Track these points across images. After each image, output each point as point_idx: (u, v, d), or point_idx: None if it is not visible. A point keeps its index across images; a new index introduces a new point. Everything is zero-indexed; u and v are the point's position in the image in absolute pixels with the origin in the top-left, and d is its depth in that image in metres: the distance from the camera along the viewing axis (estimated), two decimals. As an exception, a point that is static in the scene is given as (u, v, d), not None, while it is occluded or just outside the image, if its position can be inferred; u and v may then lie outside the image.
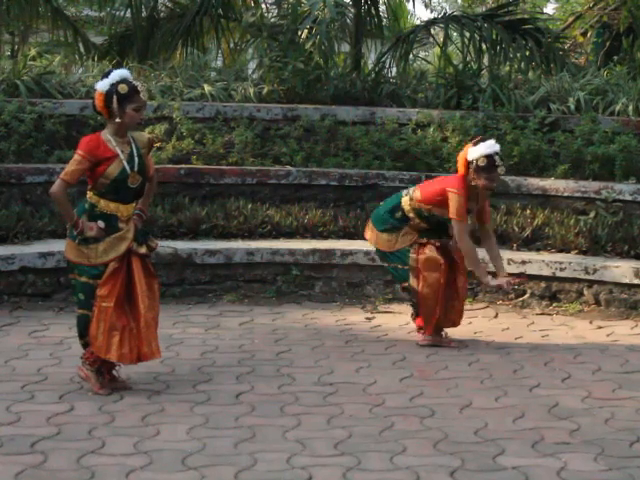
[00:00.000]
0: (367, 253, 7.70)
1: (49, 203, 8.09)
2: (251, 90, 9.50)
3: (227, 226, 8.13)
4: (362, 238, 8.08)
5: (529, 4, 17.28)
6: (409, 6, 27.61)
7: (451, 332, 6.62)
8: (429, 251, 6.26)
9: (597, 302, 7.37)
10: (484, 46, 10.68)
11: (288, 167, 8.75)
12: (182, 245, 7.72)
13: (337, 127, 9.10)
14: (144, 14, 11.67)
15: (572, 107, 9.11)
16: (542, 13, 16.24)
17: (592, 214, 7.99)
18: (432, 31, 12.31)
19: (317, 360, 5.92)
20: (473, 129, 8.74)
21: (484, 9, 16.44)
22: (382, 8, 11.62)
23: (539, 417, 4.90)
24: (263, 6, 11.83)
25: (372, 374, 5.63)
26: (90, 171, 5.10)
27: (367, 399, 5.16)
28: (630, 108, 8.95)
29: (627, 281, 7.24)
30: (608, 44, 12.83)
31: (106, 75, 5.11)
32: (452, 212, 6.14)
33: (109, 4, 12.15)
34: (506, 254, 7.63)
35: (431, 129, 8.93)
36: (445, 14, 12.10)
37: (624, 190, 8.05)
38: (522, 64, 10.61)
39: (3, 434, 4.49)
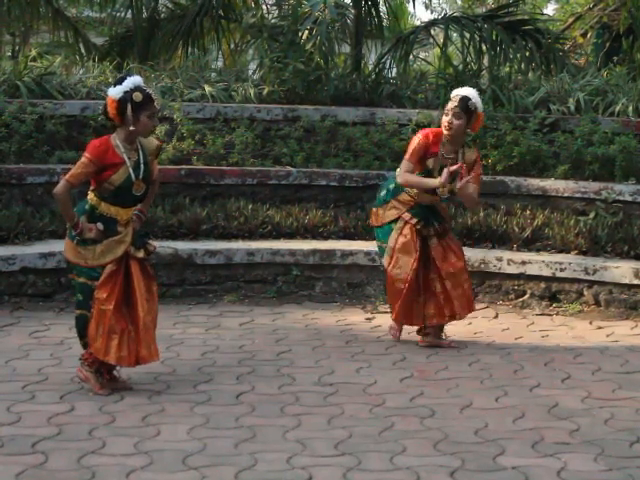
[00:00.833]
0: (367, 253, 7.71)
1: (50, 204, 8.11)
2: (251, 91, 9.50)
3: (227, 226, 8.14)
4: (362, 238, 8.14)
5: (529, 5, 17.28)
6: (409, 7, 27.58)
7: (451, 332, 6.63)
8: (408, 234, 6.20)
9: (597, 302, 7.38)
10: (484, 47, 10.68)
11: (288, 168, 8.76)
12: (182, 245, 7.73)
13: (337, 128, 9.11)
14: (145, 15, 11.68)
15: (572, 108, 9.11)
16: (542, 14, 16.23)
17: (592, 215, 7.99)
18: (432, 32, 12.30)
19: (317, 360, 5.93)
20: (473, 130, 8.73)
21: (484, 10, 16.45)
22: (382, 9, 11.62)
23: (539, 417, 4.91)
24: (264, 7, 11.83)
25: (372, 374, 5.64)
26: (95, 175, 5.12)
27: (367, 399, 5.16)
28: (630, 109, 8.95)
29: (627, 281, 7.24)
30: (608, 45, 12.83)
31: (119, 82, 5.11)
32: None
33: (110, 5, 12.17)
34: (506, 254, 7.66)
35: (431, 130, 8.92)
36: (445, 15, 12.10)
37: (624, 191, 8.05)
38: (522, 65, 10.61)
39: (4, 434, 4.50)
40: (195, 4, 11.55)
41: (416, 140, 6.16)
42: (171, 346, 6.19)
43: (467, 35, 10.73)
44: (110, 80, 9.75)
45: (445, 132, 6.12)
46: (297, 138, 9.03)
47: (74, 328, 5.94)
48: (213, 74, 10.38)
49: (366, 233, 8.17)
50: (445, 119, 6.11)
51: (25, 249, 7.37)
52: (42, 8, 11.84)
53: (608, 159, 8.39)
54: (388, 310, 7.38)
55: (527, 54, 10.59)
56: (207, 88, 9.44)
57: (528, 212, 8.18)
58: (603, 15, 13.19)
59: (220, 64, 12.54)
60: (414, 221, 6.21)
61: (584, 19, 13.76)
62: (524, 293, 7.57)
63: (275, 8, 11.78)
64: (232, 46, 12.12)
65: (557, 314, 7.33)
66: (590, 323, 7.09)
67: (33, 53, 10.39)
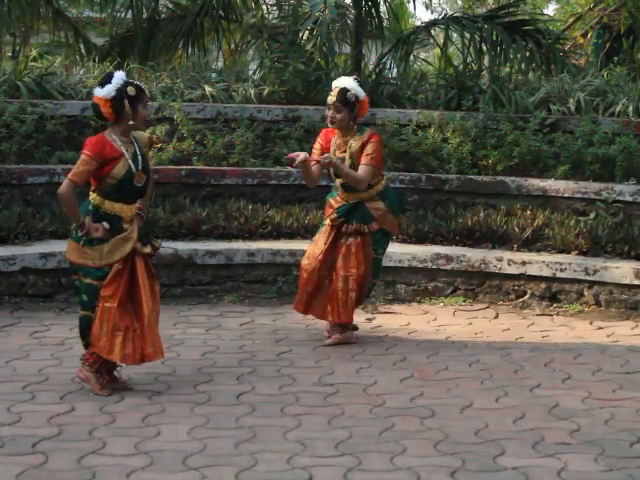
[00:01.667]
0: (368, 254, 7.70)
1: (50, 204, 8.12)
2: (252, 91, 9.50)
3: (228, 227, 8.14)
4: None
5: (529, 5, 17.28)
6: (410, 7, 27.60)
7: (451, 332, 6.64)
8: (327, 229, 6.37)
9: (597, 303, 7.38)
10: (484, 47, 10.68)
11: (289, 168, 8.75)
12: (183, 246, 7.73)
13: (338, 128, 9.10)
14: (145, 15, 11.68)
15: (572, 108, 9.11)
16: (542, 14, 16.24)
17: (592, 215, 7.99)
18: (432, 32, 12.29)
19: (318, 360, 5.93)
20: (473, 130, 8.74)
21: (484, 10, 16.45)
22: (383, 9, 11.61)
23: (539, 417, 4.91)
24: (264, 7, 11.82)
25: (372, 375, 5.64)
26: (96, 171, 5.12)
27: (367, 399, 5.16)
28: (630, 109, 8.95)
29: (627, 282, 7.24)
30: (608, 45, 12.83)
31: (107, 81, 5.12)
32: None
33: (110, 5, 12.16)
34: (506, 255, 7.66)
35: (431, 130, 8.93)
36: (445, 15, 12.09)
37: (624, 191, 8.05)
38: (522, 65, 10.60)
39: (4, 434, 4.50)
40: (195, 4, 11.55)
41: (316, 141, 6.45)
42: (171, 346, 6.18)
43: (467, 35, 10.73)
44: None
45: (330, 127, 6.25)
46: (297, 138, 9.03)
47: (75, 328, 5.94)
48: (213, 74, 10.38)
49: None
50: (327, 114, 6.22)
51: (25, 249, 7.38)
52: (42, 8, 11.83)
53: (608, 159, 8.39)
54: (388, 310, 7.41)
55: (527, 54, 10.59)
56: (207, 88, 9.44)
57: (528, 212, 8.18)
58: (603, 15, 13.19)
59: (220, 64, 12.53)
60: (333, 216, 6.30)
61: (584, 19, 13.77)
62: (524, 293, 7.56)
63: (275, 8, 11.78)
64: (232, 46, 12.12)
65: (557, 314, 7.33)
66: (590, 323, 7.09)
67: (33, 53, 10.39)
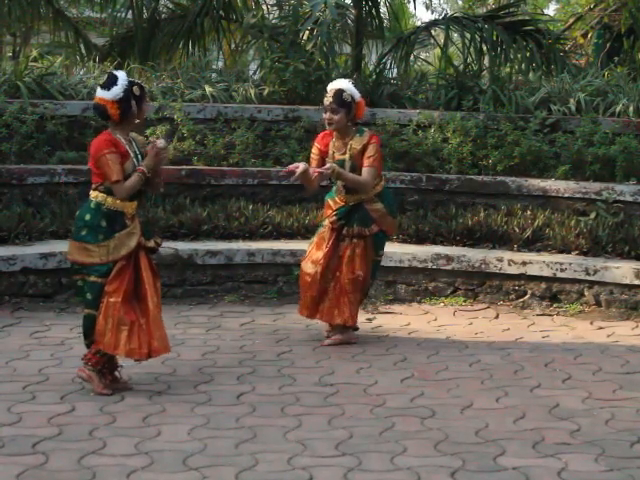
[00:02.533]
0: (368, 254, 7.70)
1: (50, 204, 8.12)
2: (252, 91, 9.50)
3: (228, 227, 8.14)
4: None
5: (530, 5, 17.28)
6: (410, 7, 27.60)
7: (451, 332, 6.64)
8: (326, 232, 6.34)
9: (598, 303, 7.38)
10: (485, 47, 10.68)
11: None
12: (183, 246, 7.73)
13: (338, 128, 9.10)
14: (145, 15, 11.68)
15: (573, 108, 9.11)
16: (543, 14, 16.24)
17: (593, 215, 7.99)
18: (433, 32, 12.29)
19: (318, 361, 5.93)
20: (474, 130, 8.75)
21: (485, 10, 16.44)
22: (383, 9, 11.63)
23: (540, 418, 4.90)
24: (264, 7, 11.82)
25: (373, 375, 5.64)
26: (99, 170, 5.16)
27: (368, 400, 5.16)
28: (631, 109, 8.95)
29: (628, 282, 7.24)
30: (609, 45, 12.83)
31: (112, 82, 5.16)
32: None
33: (110, 5, 12.16)
34: (506, 255, 7.66)
35: (432, 130, 8.93)
36: (446, 15, 12.09)
37: (625, 191, 8.05)
38: (523, 65, 10.60)
39: (4, 435, 4.50)
40: (196, 4, 11.55)
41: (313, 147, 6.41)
42: (172, 346, 6.18)
43: (468, 35, 10.73)
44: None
45: (328, 129, 6.25)
46: (298, 138, 9.03)
47: (75, 328, 5.96)
48: (214, 74, 10.38)
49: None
50: (324, 116, 6.22)
51: (26, 249, 7.37)
52: (43, 9, 11.83)
53: (609, 159, 8.39)
54: (389, 311, 7.40)
55: (528, 54, 10.59)
56: (208, 88, 9.44)
57: (529, 212, 8.18)
58: (604, 15, 13.19)
59: (221, 64, 12.53)
60: (333, 219, 6.29)
61: (585, 19, 13.77)
62: (525, 293, 7.56)
63: (276, 8, 11.78)
64: (233, 46, 12.11)
65: (558, 314, 7.33)
66: (591, 323, 7.09)
67: (34, 53, 10.39)
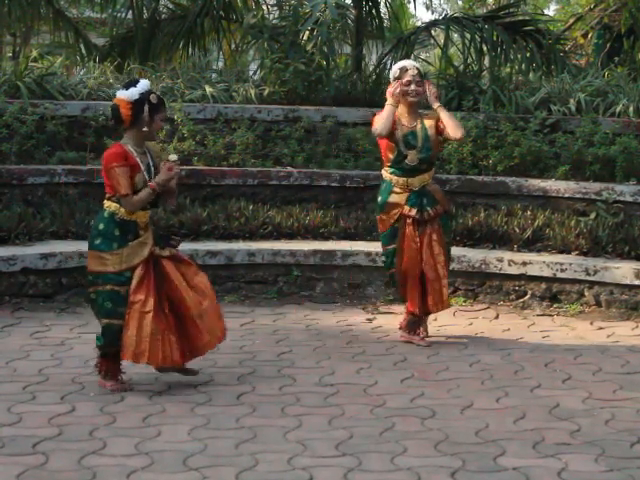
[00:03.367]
0: (368, 254, 7.71)
1: (50, 204, 8.12)
2: (252, 91, 9.50)
3: (228, 227, 8.14)
4: (363, 239, 8.14)
5: (530, 6, 17.28)
6: (410, 8, 27.60)
7: (451, 332, 6.64)
8: (410, 230, 6.30)
9: (598, 303, 7.38)
10: (485, 47, 10.68)
11: (289, 168, 8.76)
12: (183, 246, 7.64)
13: (338, 128, 9.11)
14: (145, 16, 11.68)
15: (573, 108, 9.11)
16: (543, 14, 16.23)
17: (593, 215, 7.99)
18: (433, 32, 12.30)
19: (318, 361, 5.93)
20: (474, 130, 8.74)
21: (485, 10, 16.44)
22: (383, 9, 11.63)
23: (540, 418, 4.90)
24: (264, 7, 11.82)
25: (373, 375, 5.64)
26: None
27: (368, 400, 5.16)
28: (631, 109, 8.95)
29: (628, 282, 7.24)
30: (609, 45, 12.83)
31: (132, 84, 5.21)
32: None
33: (110, 6, 12.16)
34: (507, 255, 7.66)
35: (432, 130, 8.92)
36: (446, 15, 12.10)
37: (625, 191, 8.05)
38: (523, 65, 10.60)
39: (4, 435, 4.50)
40: (196, 5, 11.55)
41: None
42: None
43: (468, 36, 10.73)
44: (111, 81, 9.78)
45: (410, 100, 6.27)
46: (298, 139, 9.03)
47: (75, 328, 5.97)
48: (214, 75, 10.38)
49: (367, 234, 8.18)
50: (410, 87, 6.25)
51: (26, 250, 7.37)
52: (43, 9, 11.83)
53: (609, 160, 8.39)
54: (389, 311, 7.40)
55: (528, 55, 10.59)
56: (208, 89, 9.45)
57: (529, 213, 8.17)
58: (604, 16, 13.19)
59: (221, 65, 12.54)
60: (413, 212, 6.28)
61: (585, 20, 13.77)
62: (525, 294, 7.56)
63: (276, 9, 11.78)
64: (233, 47, 12.11)
65: (558, 315, 7.33)
66: (591, 324, 7.09)
67: (34, 54, 10.39)
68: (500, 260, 7.56)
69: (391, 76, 6.41)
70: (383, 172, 6.45)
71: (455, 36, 11.92)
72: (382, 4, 11.45)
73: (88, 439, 4.49)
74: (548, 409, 5.05)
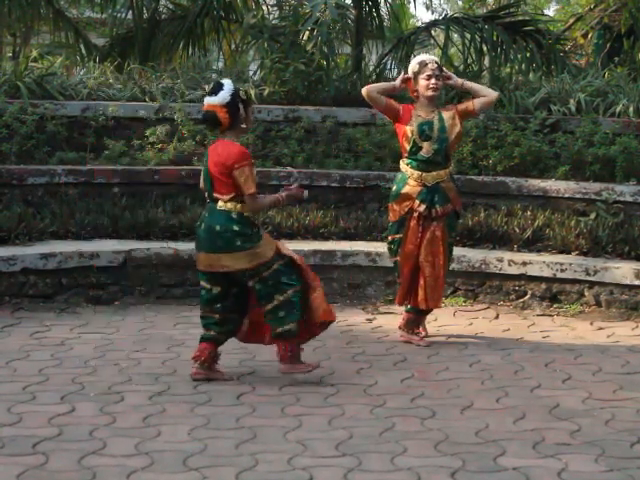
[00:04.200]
0: (368, 254, 7.71)
1: (50, 204, 8.12)
2: (252, 91, 9.48)
3: (228, 227, 8.12)
4: (363, 239, 8.14)
5: (530, 6, 17.28)
6: (410, 8, 27.59)
7: (451, 332, 6.64)
8: (414, 223, 6.32)
9: (598, 303, 7.38)
10: (485, 48, 10.69)
11: (289, 168, 8.76)
12: (183, 246, 7.72)
13: (338, 128, 9.12)
14: (145, 16, 11.68)
15: (573, 108, 9.11)
16: (543, 14, 16.23)
17: (593, 215, 7.99)
18: (433, 32, 12.30)
19: (318, 361, 5.92)
20: (474, 130, 8.75)
21: (485, 10, 16.44)
22: (383, 10, 11.62)
23: (540, 418, 4.90)
24: (264, 8, 11.82)
25: (373, 375, 5.64)
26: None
27: (368, 400, 5.16)
28: (631, 109, 8.95)
29: (628, 282, 7.24)
30: (609, 45, 12.83)
31: (219, 88, 5.33)
32: None
33: (110, 6, 12.17)
34: (507, 255, 7.66)
35: (432, 130, 8.92)
36: (446, 16, 12.10)
37: (625, 191, 8.05)
38: (523, 65, 10.61)
39: (4, 435, 4.50)
40: (196, 5, 11.55)
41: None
42: (172, 347, 6.19)
43: (468, 36, 10.74)
44: (111, 81, 9.79)
45: (430, 94, 6.31)
46: (298, 139, 9.04)
47: (75, 328, 5.94)
48: (214, 75, 10.38)
49: (367, 234, 8.18)
50: (430, 82, 6.28)
51: (26, 250, 7.37)
52: (43, 9, 11.83)
53: (609, 160, 8.39)
54: (389, 311, 7.40)
55: (528, 55, 10.59)
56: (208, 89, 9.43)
57: (529, 213, 8.18)
58: (604, 16, 13.19)
59: (221, 65, 12.53)
60: (421, 208, 6.27)
61: (585, 20, 13.76)
62: (525, 294, 7.56)
63: (276, 9, 11.78)
64: (233, 47, 12.11)
65: (558, 315, 7.33)
66: (591, 324, 7.09)
67: (34, 54, 10.40)
68: (500, 260, 7.56)
69: (410, 71, 6.40)
70: (401, 163, 6.47)
71: (455, 36, 11.92)
72: (382, 4, 11.46)
73: (88, 439, 4.49)
74: (548, 409, 5.05)
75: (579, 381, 5.58)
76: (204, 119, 5.48)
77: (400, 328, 6.51)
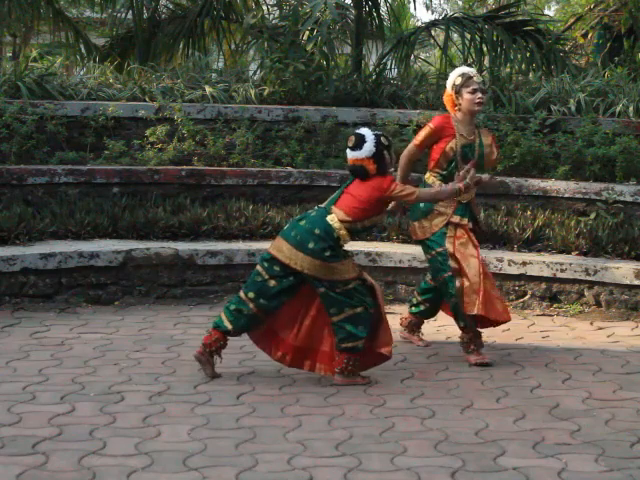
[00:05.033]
0: (368, 254, 7.71)
1: (50, 204, 8.12)
2: (252, 91, 9.51)
3: (228, 227, 8.14)
4: (363, 239, 8.13)
5: (530, 6, 17.28)
6: (410, 8, 27.61)
7: (451, 332, 6.63)
8: (463, 235, 5.96)
9: (598, 303, 7.38)
10: (485, 47, 10.69)
11: (289, 168, 8.76)
12: (183, 246, 7.73)
13: (338, 128, 9.11)
14: (145, 16, 11.69)
15: (573, 108, 9.11)
16: (543, 14, 16.24)
17: (593, 215, 7.99)
18: (433, 32, 12.30)
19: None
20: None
21: (485, 10, 16.45)
22: (383, 10, 11.63)
23: (540, 418, 4.90)
24: (264, 8, 11.83)
25: (373, 375, 5.63)
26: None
27: (368, 400, 5.16)
28: (630, 109, 8.95)
29: (628, 282, 7.24)
30: (609, 45, 12.84)
31: (363, 141, 5.51)
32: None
33: (110, 6, 12.17)
34: (507, 255, 7.65)
35: (432, 130, 8.92)
36: (446, 16, 12.11)
37: (624, 191, 8.06)
38: (523, 65, 10.61)
39: (4, 435, 4.50)
40: (196, 5, 11.56)
41: (427, 127, 6.15)
42: (172, 347, 6.19)
43: (468, 36, 10.74)
44: (111, 81, 9.80)
45: (477, 109, 6.04)
46: (298, 139, 9.04)
47: (75, 328, 5.92)
48: (214, 75, 10.39)
49: (366, 234, 8.17)
50: (476, 95, 5.98)
51: (26, 250, 7.37)
52: (43, 9, 11.84)
53: (609, 160, 8.39)
54: (389, 311, 7.37)
55: (528, 55, 10.59)
56: (208, 89, 9.45)
57: (529, 213, 8.18)
58: (604, 16, 13.20)
59: (221, 65, 12.54)
60: (465, 221, 6.00)
61: (585, 20, 13.78)
62: (525, 294, 7.56)
63: (276, 9, 11.79)
64: (233, 47, 12.12)
65: (558, 315, 7.33)
66: (591, 324, 7.09)
67: (34, 54, 10.41)
68: (500, 260, 7.56)
69: (450, 83, 6.13)
70: (429, 176, 6.13)
71: (455, 36, 11.92)
72: (382, 4, 11.46)
73: (88, 439, 4.49)
74: (548, 409, 5.05)
75: (579, 381, 5.58)
76: (351, 172, 5.61)
77: (401, 325, 6.46)
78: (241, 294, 5.51)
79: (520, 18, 11.25)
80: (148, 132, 8.85)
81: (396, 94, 9.89)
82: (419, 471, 4.17)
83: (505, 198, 8.38)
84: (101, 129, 8.86)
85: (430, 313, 6.47)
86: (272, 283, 5.42)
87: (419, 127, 8.95)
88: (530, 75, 10.41)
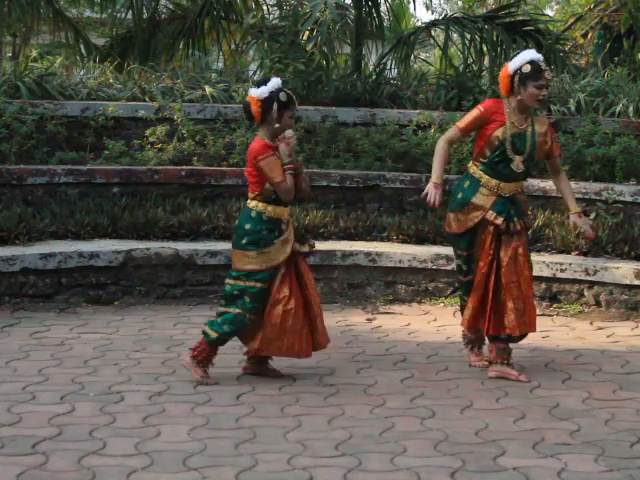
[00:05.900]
0: (368, 254, 7.71)
1: (50, 204, 8.13)
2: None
3: (228, 227, 8.12)
4: (363, 239, 8.14)
5: (530, 6, 17.28)
6: (410, 8, 27.59)
7: (451, 332, 6.63)
8: (488, 238, 5.53)
9: (597, 303, 7.38)
10: (485, 47, 10.69)
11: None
12: (183, 246, 7.73)
13: (338, 128, 9.11)
14: (145, 16, 11.70)
15: (572, 108, 9.11)
16: (543, 14, 16.24)
17: (593, 215, 7.99)
18: (433, 32, 12.31)
19: (318, 361, 5.92)
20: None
21: (485, 10, 16.45)
22: (383, 9, 11.62)
23: (540, 418, 4.90)
24: (264, 8, 11.83)
25: (373, 375, 5.63)
26: (259, 177, 5.37)
27: (368, 400, 5.16)
28: (630, 109, 8.95)
29: (627, 282, 7.24)
30: (609, 45, 12.84)
31: (263, 83, 5.37)
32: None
33: (110, 6, 12.18)
34: (507, 255, 7.64)
35: (432, 130, 8.93)
36: (446, 16, 12.11)
37: (624, 191, 8.06)
38: (523, 65, 10.59)
39: (4, 435, 4.50)
40: (196, 5, 11.56)
41: (475, 110, 5.62)
42: (171, 347, 6.19)
43: (468, 36, 10.74)
44: (111, 81, 9.80)
45: (537, 105, 5.55)
46: (297, 139, 9.00)
47: (75, 328, 5.92)
48: (214, 75, 10.39)
49: (367, 234, 8.18)
50: (541, 92, 5.46)
51: (25, 250, 7.37)
52: (43, 9, 11.84)
53: (609, 160, 8.39)
54: (389, 311, 7.40)
55: (528, 55, 10.57)
56: (208, 89, 9.45)
57: (529, 212, 8.15)
58: (604, 16, 13.20)
59: (221, 65, 12.54)
60: (499, 221, 5.51)
61: (585, 19, 13.78)
62: (525, 294, 7.55)
63: (276, 9, 11.78)
64: (233, 47, 12.12)
65: (557, 315, 7.33)
66: (591, 324, 7.09)
67: (34, 54, 10.40)
68: (500, 260, 7.54)
69: (514, 66, 5.47)
70: (471, 166, 5.68)
71: (455, 36, 11.92)
72: (382, 4, 11.46)
73: (88, 439, 4.49)
74: (548, 409, 5.05)
75: (579, 381, 5.58)
76: (243, 108, 5.55)
77: (490, 362, 5.68)
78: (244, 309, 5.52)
79: (520, 18, 11.25)
80: (148, 132, 8.86)
81: (396, 94, 9.89)
82: (419, 471, 4.17)
83: (505, 198, 8.36)
84: (101, 129, 8.86)
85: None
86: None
87: (419, 127, 9.00)
88: (530, 75, 10.39)
